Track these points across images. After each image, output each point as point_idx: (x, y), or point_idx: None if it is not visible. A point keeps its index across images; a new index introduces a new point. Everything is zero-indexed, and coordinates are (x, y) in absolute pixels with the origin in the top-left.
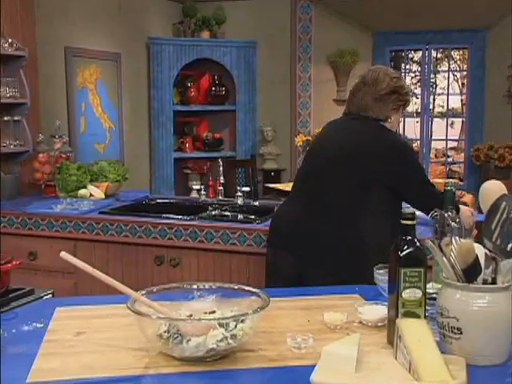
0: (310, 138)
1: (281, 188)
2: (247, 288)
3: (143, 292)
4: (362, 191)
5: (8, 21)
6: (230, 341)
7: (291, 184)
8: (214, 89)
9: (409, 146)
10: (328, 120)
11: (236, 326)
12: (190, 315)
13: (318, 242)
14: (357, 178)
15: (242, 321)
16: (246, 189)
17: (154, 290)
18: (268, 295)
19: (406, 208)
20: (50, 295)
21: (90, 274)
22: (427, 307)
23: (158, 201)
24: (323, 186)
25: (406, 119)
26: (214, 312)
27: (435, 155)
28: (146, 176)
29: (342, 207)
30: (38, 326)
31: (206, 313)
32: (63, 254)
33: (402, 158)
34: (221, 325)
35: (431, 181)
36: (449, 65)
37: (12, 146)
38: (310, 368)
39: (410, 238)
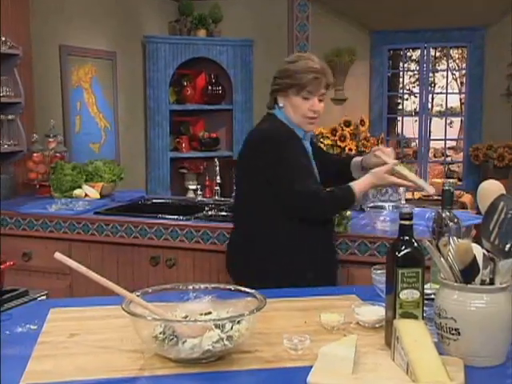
0: None
1: None
2: (243, 289)
3: (138, 293)
4: (250, 193)
5: (2, 18)
6: (226, 342)
7: None
8: (210, 88)
9: (276, 138)
10: (325, 119)
11: (232, 328)
12: (186, 316)
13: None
14: (245, 182)
15: (239, 322)
16: None
17: (150, 291)
18: (264, 296)
19: (404, 208)
20: (45, 296)
21: (84, 274)
22: (425, 308)
23: (154, 201)
24: (235, 195)
25: (405, 118)
26: (209, 313)
27: (434, 155)
28: (141, 176)
29: (242, 211)
30: (32, 327)
31: (201, 314)
32: (57, 255)
33: (266, 152)
34: (217, 326)
35: (307, 179)
36: (447, 63)
37: (6, 146)
38: (307, 369)
39: (407, 238)
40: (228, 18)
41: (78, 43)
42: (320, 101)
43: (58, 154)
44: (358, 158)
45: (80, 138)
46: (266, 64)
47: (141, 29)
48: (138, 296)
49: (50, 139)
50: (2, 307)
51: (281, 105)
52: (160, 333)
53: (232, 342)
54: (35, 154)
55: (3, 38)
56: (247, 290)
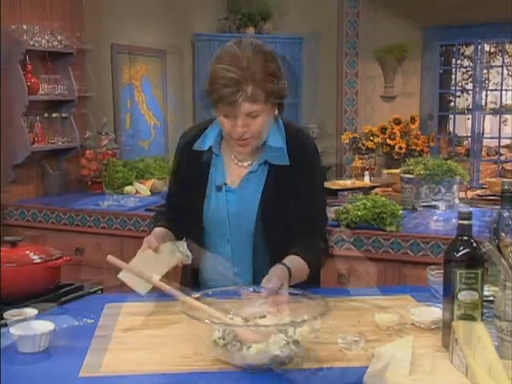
0: (356, 136)
1: (327, 186)
2: (296, 291)
3: (197, 295)
4: None
5: (58, 17)
6: (293, 346)
7: (337, 182)
8: None
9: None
10: (374, 117)
11: (295, 331)
12: (246, 320)
13: None
14: None
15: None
16: None
17: (210, 293)
18: (323, 297)
19: (463, 207)
20: (99, 291)
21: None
22: (483, 310)
23: None
24: None
25: (457, 116)
26: (264, 317)
27: (487, 153)
28: None
29: None
30: (88, 321)
31: (256, 317)
32: (110, 258)
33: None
34: (280, 330)
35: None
36: (502, 59)
37: (60, 143)
38: (362, 369)
39: (466, 238)
40: (277, 16)
41: (128, 42)
42: (253, 117)
43: (109, 151)
44: (289, 260)
45: (130, 136)
46: (316, 61)
47: (190, 27)
48: (198, 298)
49: (102, 136)
50: (58, 301)
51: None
52: (219, 338)
53: (298, 346)
54: (88, 151)
55: (59, 37)
56: (300, 291)
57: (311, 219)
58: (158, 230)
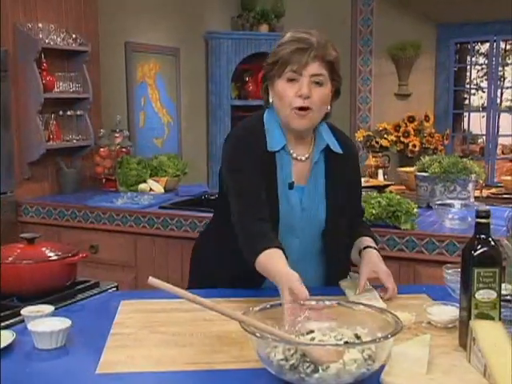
0: (370, 134)
1: None
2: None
3: (257, 308)
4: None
5: (73, 16)
6: (370, 362)
7: None
8: None
9: (233, 138)
10: (389, 115)
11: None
12: (312, 338)
13: None
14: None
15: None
16: None
17: (268, 307)
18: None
19: (481, 206)
20: (115, 288)
21: (191, 301)
22: (501, 309)
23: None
24: None
25: (471, 114)
26: (312, 332)
27: (502, 151)
28: (203, 171)
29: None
30: (105, 318)
31: (302, 334)
32: (151, 280)
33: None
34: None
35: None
36: None
37: (75, 141)
38: (380, 368)
39: (483, 236)
40: (290, 13)
41: (142, 40)
42: (317, 83)
43: (123, 149)
44: (363, 242)
45: (144, 133)
46: None
47: (203, 24)
48: (255, 312)
49: (116, 134)
50: (74, 298)
51: (271, 100)
52: (282, 359)
53: (374, 360)
54: (102, 149)
55: (73, 36)
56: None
57: (359, 208)
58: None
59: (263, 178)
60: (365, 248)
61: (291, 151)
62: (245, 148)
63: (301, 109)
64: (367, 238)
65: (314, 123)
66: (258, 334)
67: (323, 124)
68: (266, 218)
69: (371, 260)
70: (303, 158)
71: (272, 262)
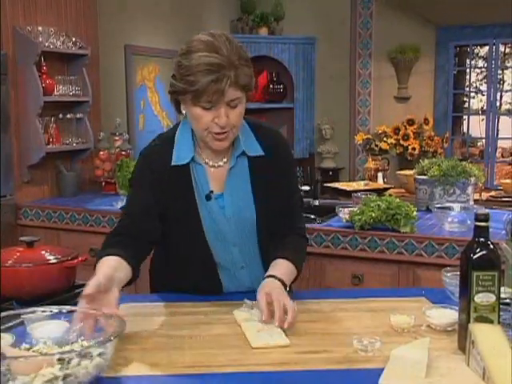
0: (369, 137)
1: (339, 187)
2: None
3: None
4: None
5: (72, 19)
6: (61, 383)
7: (350, 183)
8: (271, 86)
9: (139, 156)
10: (388, 118)
11: (79, 363)
12: (30, 348)
13: None
14: None
15: (85, 356)
16: (306, 188)
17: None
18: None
19: (480, 209)
20: None
21: None
22: (500, 313)
23: None
24: None
25: (471, 117)
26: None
27: (501, 154)
28: None
29: None
30: None
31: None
32: None
33: None
34: (61, 360)
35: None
36: None
37: (74, 144)
38: (378, 371)
39: (483, 239)
40: (290, 16)
41: (142, 43)
42: (232, 108)
43: (123, 152)
44: (271, 269)
45: (143, 136)
46: (329, 62)
47: (203, 27)
48: None
49: (116, 137)
50: (74, 301)
51: (183, 112)
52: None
53: (70, 382)
54: (101, 152)
55: (73, 39)
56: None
57: (292, 214)
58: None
59: (176, 192)
60: (268, 277)
61: (206, 160)
62: (144, 166)
63: (220, 132)
64: (282, 262)
65: (234, 137)
66: None
67: (244, 125)
68: (126, 233)
69: (268, 285)
70: (221, 164)
71: (98, 267)
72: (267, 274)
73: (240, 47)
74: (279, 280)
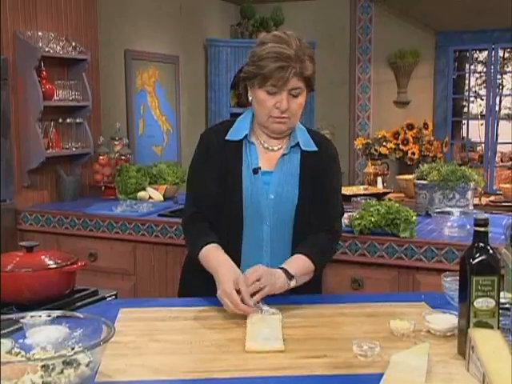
0: (369, 141)
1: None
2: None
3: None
4: None
5: (72, 24)
6: None
7: (349, 188)
8: None
9: (202, 140)
10: (388, 122)
11: (62, 371)
12: (18, 353)
13: None
14: None
15: (71, 363)
16: None
17: None
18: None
19: (479, 214)
20: (114, 296)
21: None
22: (500, 318)
23: None
24: None
25: (470, 121)
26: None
27: (501, 159)
28: None
29: None
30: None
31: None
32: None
33: None
34: (45, 367)
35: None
36: None
37: (74, 149)
38: (378, 376)
39: (482, 244)
40: (290, 21)
41: (142, 47)
42: (294, 96)
43: (123, 157)
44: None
45: (143, 141)
46: (328, 67)
47: (203, 32)
48: None
49: (116, 142)
50: (73, 306)
51: (250, 98)
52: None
53: None
54: (101, 157)
55: (73, 44)
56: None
57: (330, 215)
58: (221, 258)
59: (227, 165)
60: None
61: (262, 141)
62: (201, 145)
63: (278, 117)
64: (299, 258)
65: (292, 127)
66: None
67: (299, 125)
68: (202, 219)
69: (272, 272)
70: (275, 148)
71: (212, 254)
72: (281, 265)
73: (307, 47)
74: (288, 274)
